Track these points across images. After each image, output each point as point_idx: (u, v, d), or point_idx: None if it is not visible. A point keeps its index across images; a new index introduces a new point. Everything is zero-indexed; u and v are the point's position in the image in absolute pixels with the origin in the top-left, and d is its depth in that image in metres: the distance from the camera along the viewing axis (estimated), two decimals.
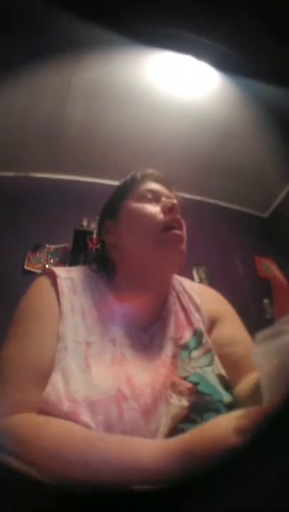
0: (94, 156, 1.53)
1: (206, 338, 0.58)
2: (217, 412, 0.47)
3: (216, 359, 0.56)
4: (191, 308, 0.62)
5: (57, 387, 0.45)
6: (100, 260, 0.65)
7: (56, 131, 1.40)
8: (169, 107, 1.26)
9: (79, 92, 1.25)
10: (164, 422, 0.46)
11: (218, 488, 0.30)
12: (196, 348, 0.56)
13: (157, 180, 0.63)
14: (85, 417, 0.43)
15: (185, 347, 0.56)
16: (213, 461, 0.33)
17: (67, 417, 0.43)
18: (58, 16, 0.49)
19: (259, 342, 0.37)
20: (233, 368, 0.55)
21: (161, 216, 0.58)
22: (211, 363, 0.54)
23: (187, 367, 0.53)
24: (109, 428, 0.43)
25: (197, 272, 1.53)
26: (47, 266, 1.47)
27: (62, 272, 0.58)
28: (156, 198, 0.61)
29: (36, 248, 1.61)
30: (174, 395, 0.48)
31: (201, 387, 0.50)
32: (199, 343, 0.57)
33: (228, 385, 0.52)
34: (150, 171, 0.65)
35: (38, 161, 1.55)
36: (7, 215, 1.37)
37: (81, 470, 0.37)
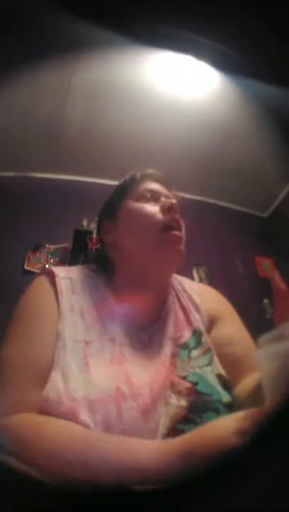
0: (94, 156, 1.52)
1: (205, 338, 0.58)
2: (216, 412, 0.47)
3: (216, 359, 0.55)
4: (191, 307, 0.62)
5: (56, 386, 0.45)
6: (99, 260, 0.65)
7: (56, 131, 1.40)
8: (169, 107, 1.26)
9: (79, 92, 1.25)
10: (163, 421, 0.46)
11: (218, 488, 0.30)
12: (195, 348, 0.56)
13: (156, 180, 0.63)
14: (84, 415, 0.43)
15: (184, 346, 0.56)
16: (213, 461, 0.33)
17: (67, 415, 0.43)
18: (58, 15, 0.49)
19: (261, 345, 0.38)
20: (233, 367, 0.55)
21: (160, 216, 0.58)
22: (210, 363, 0.54)
23: (186, 366, 0.53)
24: (108, 427, 0.43)
25: (197, 272, 1.53)
26: (47, 266, 1.47)
27: (61, 272, 0.58)
28: (155, 197, 0.61)
29: (36, 248, 1.61)
30: (172, 395, 0.48)
31: (200, 387, 0.50)
32: (198, 343, 0.57)
33: (227, 384, 0.52)
34: (149, 170, 0.65)
35: (38, 161, 1.55)
36: (7, 215, 1.37)
37: (81, 470, 0.37)
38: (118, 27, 0.49)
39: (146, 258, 0.58)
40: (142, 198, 0.60)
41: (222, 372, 0.54)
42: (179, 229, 0.59)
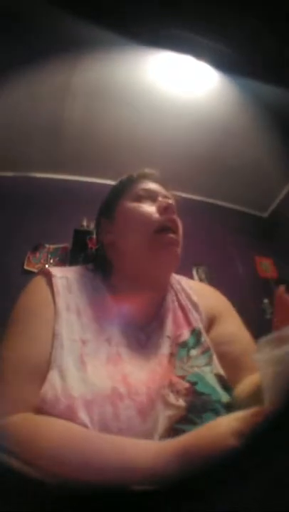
0: (94, 156, 1.52)
1: (204, 337, 0.58)
2: (215, 412, 0.47)
3: (215, 358, 0.55)
4: (189, 306, 0.62)
5: (54, 385, 0.45)
6: (97, 259, 0.65)
7: (56, 131, 1.40)
8: (168, 106, 1.26)
9: (79, 92, 1.25)
10: (161, 421, 0.46)
11: (218, 489, 0.30)
12: (194, 347, 0.56)
13: (154, 179, 0.63)
14: (82, 414, 0.43)
15: (183, 345, 0.55)
16: (211, 462, 0.33)
17: (65, 414, 0.43)
18: (58, 16, 0.49)
19: (260, 348, 0.37)
20: (232, 366, 0.55)
21: (156, 216, 0.58)
22: (209, 363, 0.54)
23: (185, 366, 0.53)
24: (105, 427, 0.43)
25: (197, 272, 1.53)
26: (46, 266, 1.47)
27: (57, 272, 0.59)
28: (152, 197, 0.61)
29: (36, 248, 1.61)
30: (171, 395, 0.48)
31: (199, 387, 0.50)
32: (198, 342, 0.56)
33: (226, 384, 0.52)
34: (147, 170, 0.65)
35: (38, 161, 1.55)
36: (7, 215, 1.37)
37: (80, 470, 0.37)
38: (118, 27, 0.49)
39: (141, 259, 0.58)
40: (138, 197, 0.60)
41: (221, 372, 0.54)
42: (176, 229, 0.59)
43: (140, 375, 0.49)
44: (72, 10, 0.47)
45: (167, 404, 0.47)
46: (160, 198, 0.60)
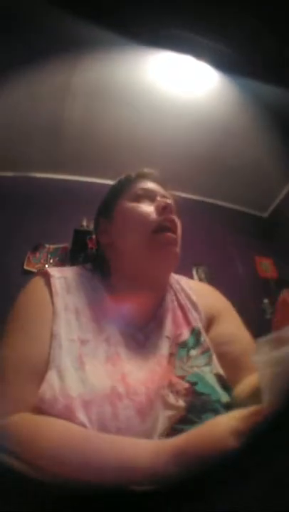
0: (94, 156, 1.52)
1: (203, 337, 0.57)
2: (215, 412, 0.47)
3: (214, 358, 0.55)
4: (189, 306, 0.62)
5: (52, 385, 0.45)
6: (96, 260, 0.65)
7: (56, 131, 1.40)
8: (168, 106, 1.26)
9: (79, 92, 1.25)
10: (160, 421, 0.46)
11: (218, 489, 0.30)
12: (194, 347, 0.56)
13: (153, 179, 0.63)
14: (80, 414, 0.43)
15: (183, 345, 0.55)
16: (211, 462, 0.33)
17: (63, 414, 0.43)
18: (58, 15, 0.49)
19: (259, 349, 0.37)
20: (232, 366, 0.54)
21: (154, 216, 0.58)
22: (209, 363, 0.54)
23: (185, 366, 0.53)
24: (103, 426, 0.43)
25: (197, 272, 1.53)
26: (46, 266, 1.47)
27: (55, 272, 0.59)
28: (150, 197, 0.60)
29: (36, 248, 1.61)
30: (171, 395, 0.48)
31: (198, 387, 0.50)
32: (197, 342, 0.56)
33: (226, 384, 0.52)
34: (146, 170, 0.65)
35: (38, 161, 1.54)
36: (7, 215, 1.37)
37: (80, 470, 0.37)
38: (118, 27, 0.49)
39: (140, 259, 0.58)
40: (137, 197, 0.60)
41: (221, 372, 0.54)
42: (174, 229, 0.59)
43: (139, 375, 0.49)
44: (72, 10, 0.47)
45: (167, 404, 0.47)
46: (159, 198, 0.60)
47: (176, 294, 0.63)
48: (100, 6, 0.47)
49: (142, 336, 0.55)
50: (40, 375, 0.47)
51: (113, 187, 0.65)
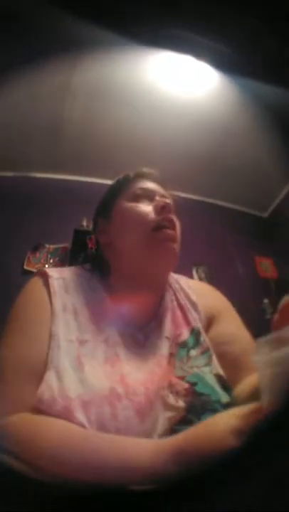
0: (94, 156, 1.52)
1: (203, 337, 0.57)
2: (215, 412, 0.47)
3: (214, 358, 0.55)
4: (188, 306, 0.61)
5: (50, 386, 0.45)
6: (95, 260, 0.65)
7: (56, 131, 1.40)
8: (168, 106, 1.26)
9: (79, 92, 1.25)
10: (160, 422, 0.46)
11: (218, 488, 0.30)
12: (193, 347, 0.55)
13: (151, 178, 0.63)
14: (79, 414, 0.43)
15: (183, 346, 0.55)
16: (210, 461, 0.33)
17: (62, 414, 0.43)
18: (58, 15, 0.49)
19: (259, 349, 0.37)
20: (232, 366, 0.54)
21: (152, 215, 0.58)
22: (209, 363, 0.54)
23: (185, 366, 0.53)
24: (102, 427, 0.43)
25: (197, 272, 1.53)
26: (46, 266, 1.47)
27: (54, 273, 0.59)
28: (149, 196, 0.60)
29: (36, 248, 1.61)
30: (170, 395, 0.48)
31: (198, 388, 0.50)
32: (197, 342, 0.56)
33: (226, 385, 0.52)
34: (144, 169, 0.65)
35: (38, 160, 1.54)
36: (7, 215, 1.37)
37: (80, 470, 0.37)
38: (118, 27, 0.49)
39: (139, 258, 0.58)
40: (135, 197, 0.60)
41: (221, 372, 0.54)
42: (173, 228, 0.59)
43: (138, 376, 0.49)
44: (72, 10, 0.47)
45: (167, 405, 0.47)
46: (157, 198, 0.60)
47: (175, 294, 0.63)
48: (100, 6, 0.47)
49: (141, 335, 0.55)
50: (39, 376, 0.47)
51: (111, 187, 0.65)
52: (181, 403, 0.47)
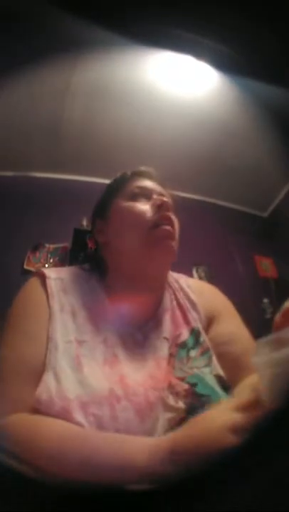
0: (94, 156, 1.52)
1: (203, 337, 0.57)
2: None
3: (214, 359, 0.55)
4: (188, 305, 0.61)
5: (48, 387, 0.45)
6: (93, 259, 0.65)
7: (56, 131, 1.40)
8: (168, 106, 1.26)
9: (79, 92, 1.25)
10: (160, 423, 0.46)
11: (217, 488, 0.30)
12: (193, 348, 0.55)
13: (149, 177, 0.63)
14: (77, 415, 0.43)
15: (183, 346, 0.55)
16: (209, 459, 0.33)
17: (60, 415, 0.43)
18: (58, 15, 0.49)
19: (259, 350, 0.37)
20: (232, 366, 0.54)
21: (150, 214, 0.58)
22: (209, 364, 0.54)
23: (185, 367, 0.53)
24: (102, 428, 0.43)
25: (197, 272, 1.53)
26: (46, 266, 1.46)
27: (52, 273, 0.59)
28: (146, 195, 0.60)
29: (36, 248, 1.61)
30: (170, 397, 0.48)
31: (198, 389, 0.50)
32: (197, 342, 0.56)
33: (226, 385, 0.52)
34: (142, 168, 0.65)
35: (38, 160, 1.54)
36: (7, 215, 1.37)
37: (79, 469, 0.37)
38: (118, 27, 0.49)
39: (137, 257, 0.58)
40: (133, 196, 0.60)
41: (221, 372, 0.54)
42: (171, 226, 0.58)
43: (138, 376, 0.49)
44: (72, 10, 0.47)
45: (167, 406, 0.47)
46: (155, 196, 0.60)
47: (174, 293, 0.63)
48: (100, 6, 0.47)
49: (140, 335, 0.55)
50: (38, 376, 0.47)
51: (109, 186, 0.65)
52: (181, 404, 0.47)
